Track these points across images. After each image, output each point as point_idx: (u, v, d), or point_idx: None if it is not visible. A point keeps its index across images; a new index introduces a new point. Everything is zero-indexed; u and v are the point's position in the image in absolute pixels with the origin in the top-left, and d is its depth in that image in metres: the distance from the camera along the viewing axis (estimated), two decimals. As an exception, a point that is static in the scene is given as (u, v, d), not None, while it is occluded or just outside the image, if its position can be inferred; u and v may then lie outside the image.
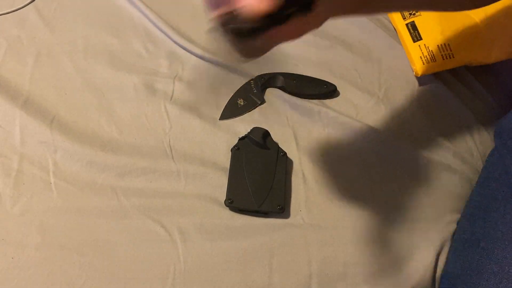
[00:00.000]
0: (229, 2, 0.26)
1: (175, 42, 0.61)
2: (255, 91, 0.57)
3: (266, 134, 0.51)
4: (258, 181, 0.47)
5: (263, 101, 0.57)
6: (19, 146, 0.49)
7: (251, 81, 0.58)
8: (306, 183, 0.50)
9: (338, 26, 0.64)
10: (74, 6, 0.64)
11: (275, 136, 0.52)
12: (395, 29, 0.65)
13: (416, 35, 0.61)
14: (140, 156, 0.50)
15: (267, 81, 0.58)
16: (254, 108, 0.56)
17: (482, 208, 0.47)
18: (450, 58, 0.59)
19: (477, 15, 0.59)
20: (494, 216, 0.44)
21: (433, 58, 0.59)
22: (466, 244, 0.46)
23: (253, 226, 0.47)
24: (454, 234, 0.49)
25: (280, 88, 0.58)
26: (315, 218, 0.48)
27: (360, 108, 0.57)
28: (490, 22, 0.59)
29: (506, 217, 0.43)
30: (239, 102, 0.56)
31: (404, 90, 0.60)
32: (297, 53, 0.62)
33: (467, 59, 0.59)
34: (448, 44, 0.59)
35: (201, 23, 0.65)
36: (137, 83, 0.56)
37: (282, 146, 0.51)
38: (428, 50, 0.59)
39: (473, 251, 0.44)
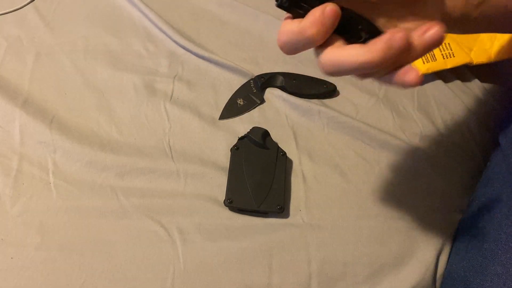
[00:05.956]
0: None
1: (175, 42, 0.61)
2: (254, 90, 0.57)
3: (265, 133, 0.51)
4: (257, 181, 0.47)
5: (262, 101, 0.57)
6: (18, 146, 0.49)
7: (251, 81, 0.58)
8: (306, 183, 0.50)
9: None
10: (74, 6, 0.64)
11: (275, 136, 0.52)
12: (395, 28, 0.65)
13: (416, 35, 0.61)
14: (140, 156, 0.50)
15: (267, 80, 0.58)
16: (253, 108, 0.56)
17: (485, 209, 0.46)
18: (450, 57, 0.59)
19: (478, 14, 0.59)
20: (498, 217, 0.44)
21: (433, 58, 0.59)
22: (469, 245, 0.45)
23: (252, 226, 0.47)
24: (456, 234, 0.49)
25: (279, 87, 0.58)
26: (315, 218, 0.48)
27: (360, 108, 0.57)
28: (491, 22, 0.59)
29: (510, 218, 0.42)
30: (238, 101, 0.56)
31: (404, 90, 0.60)
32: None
33: (468, 59, 0.59)
34: (449, 44, 0.59)
35: (201, 23, 0.65)
36: (137, 83, 0.56)
37: (282, 145, 0.51)
38: (428, 50, 0.59)
39: (476, 252, 0.43)
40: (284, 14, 0.27)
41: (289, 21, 0.26)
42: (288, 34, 0.26)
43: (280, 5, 0.26)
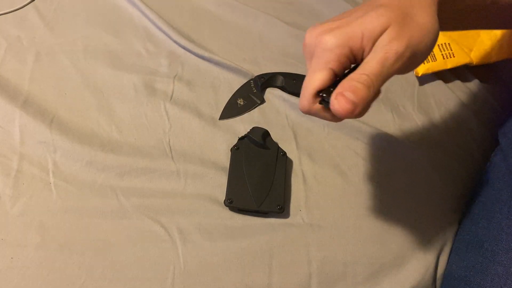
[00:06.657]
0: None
1: (175, 42, 0.61)
2: (254, 90, 0.57)
3: (265, 133, 0.51)
4: (257, 181, 0.47)
5: (263, 101, 0.57)
6: (18, 146, 0.49)
7: (251, 81, 0.58)
8: (306, 183, 0.50)
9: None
10: (74, 6, 0.64)
11: (275, 136, 0.52)
12: (395, 28, 0.65)
13: (416, 35, 0.61)
14: (140, 156, 0.50)
15: (267, 80, 0.58)
16: (253, 108, 0.56)
17: (485, 209, 0.46)
18: (450, 57, 0.59)
19: (478, 14, 0.59)
20: (498, 217, 0.44)
21: (433, 58, 0.59)
22: (469, 245, 0.45)
23: (252, 226, 0.47)
24: (456, 234, 0.49)
25: (280, 87, 0.58)
26: (315, 218, 0.48)
27: (360, 108, 0.57)
28: (491, 22, 0.59)
29: (510, 218, 0.42)
30: (239, 102, 0.56)
31: (404, 90, 0.60)
32: (297, 53, 0.62)
33: (468, 59, 0.59)
34: (449, 44, 0.59)
35: (201, 23, 0.65)
36: (137, 83, 0.56)
37: (282, 145, 0.51)
38: (428, 50, 0.59)
39: (477, 253, 0.43)
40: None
41: (318, 105, 0.32)
42: (311, 111, 0.33)
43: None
